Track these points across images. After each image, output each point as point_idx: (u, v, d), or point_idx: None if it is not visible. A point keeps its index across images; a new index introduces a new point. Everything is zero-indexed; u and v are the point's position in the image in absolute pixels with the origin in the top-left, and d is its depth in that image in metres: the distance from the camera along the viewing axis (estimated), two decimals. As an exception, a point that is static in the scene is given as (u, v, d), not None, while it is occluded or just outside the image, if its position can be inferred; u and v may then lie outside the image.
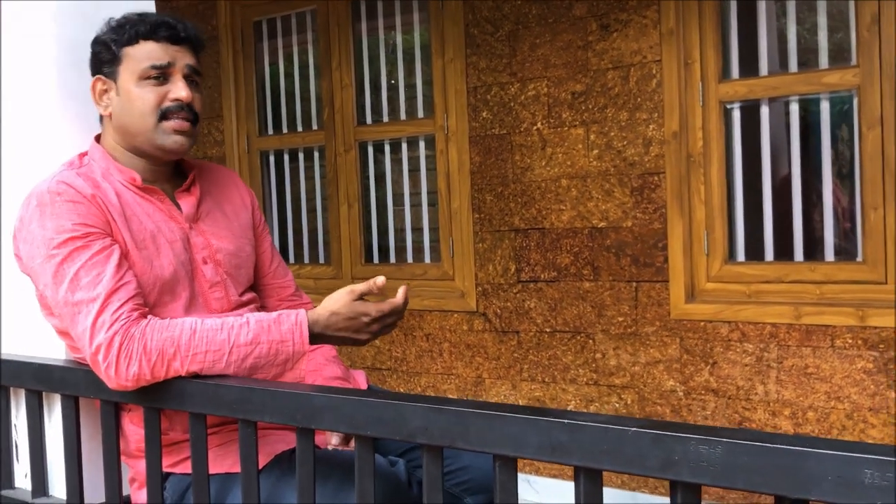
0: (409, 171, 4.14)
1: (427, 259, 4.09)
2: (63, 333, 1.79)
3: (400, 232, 4.22)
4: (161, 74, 1.76)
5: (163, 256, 1.75)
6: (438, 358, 3.94)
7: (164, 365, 1.56)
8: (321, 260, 4.43)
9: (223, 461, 1.69)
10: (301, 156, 4.48)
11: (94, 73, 1.84)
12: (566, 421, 1.16)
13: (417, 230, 4.16)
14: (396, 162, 4.19)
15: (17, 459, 2.00)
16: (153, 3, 2.19)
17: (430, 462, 1.31)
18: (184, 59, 1.78)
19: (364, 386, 1.98)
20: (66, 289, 1.61)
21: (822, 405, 3.04)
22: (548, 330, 3.62)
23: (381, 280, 1.64)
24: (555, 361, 3.61)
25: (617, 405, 3.45)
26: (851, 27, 2.99)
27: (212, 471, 1.65)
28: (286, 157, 4.54)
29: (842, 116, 3.11)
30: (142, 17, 1.80)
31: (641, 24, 3.33)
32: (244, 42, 4.52)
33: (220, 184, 1.98)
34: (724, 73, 3.23)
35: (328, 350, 1.95)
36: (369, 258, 4.25)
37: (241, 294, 1.89)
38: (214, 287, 1.82)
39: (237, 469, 1.66)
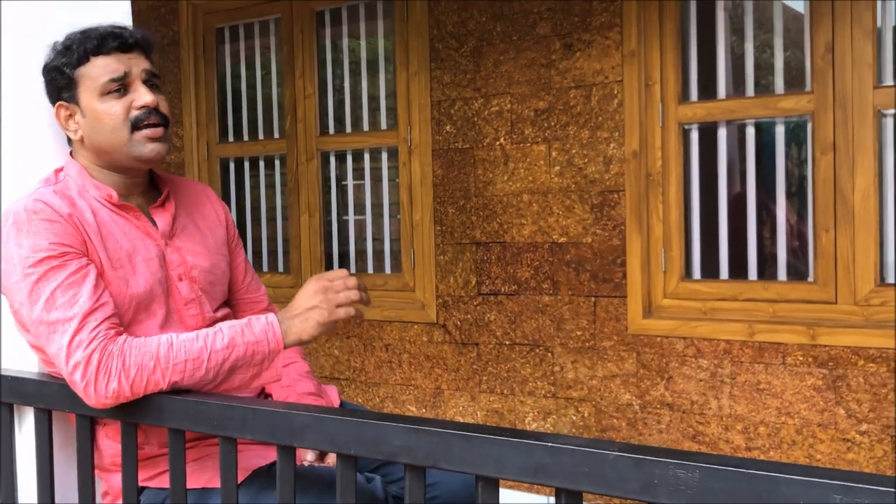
0: (371, 181, 4.17)
1: (388, 270, 4.13)
2: (37, 348, 1.79)
3: (361, 242, 4.24)
4: (121, 86, 1.76)
5: (139, 275, 1.75)
6: (398, 369, 3.97)
7: (143, 380, 1.58)
8: (280, 269, 4.43)
9: (200, 476, 1.70)
10: (262, 164, 4.48)
11: (53, 101, 1.83)
12: (548, 444, 1.20)
13: (378, 241, 4.19)
14: (358, 172, 4.22)
15: (-15, 472, 1.99)
16: (129, 4, 2.18)
17: (412, 482, 1.35)
18: (139, 64, 1.79)
19: (337, 401, 2.01)
20: (42, 308, 1.62)
21: (773, 420, 3.14)
22: (507, 342, 3.67)
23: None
24: (513, 374, 3.66)
25: (574, 418, 3.52)
26: (806, 54, 3.10)
27: (189, 485, 1.66)
28: (246, 165, 4.54)
29: (796, 140, 3.21)
30: (85, 33, 1.79)
31: (604, 44, 3.41)
32: (206, 47, 4.51)
33: (194, 199, 1.99)
34: (684, 95, 3.32)
35: (301, 366, 1.98)
36: (329, 267, 4.27)
37: (216, 310, 1.90)
38: (190, 304, 1.83)
39: (214, 484, 1.68)
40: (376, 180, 4.16)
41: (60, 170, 1.85)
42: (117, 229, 1.77)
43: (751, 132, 3.26)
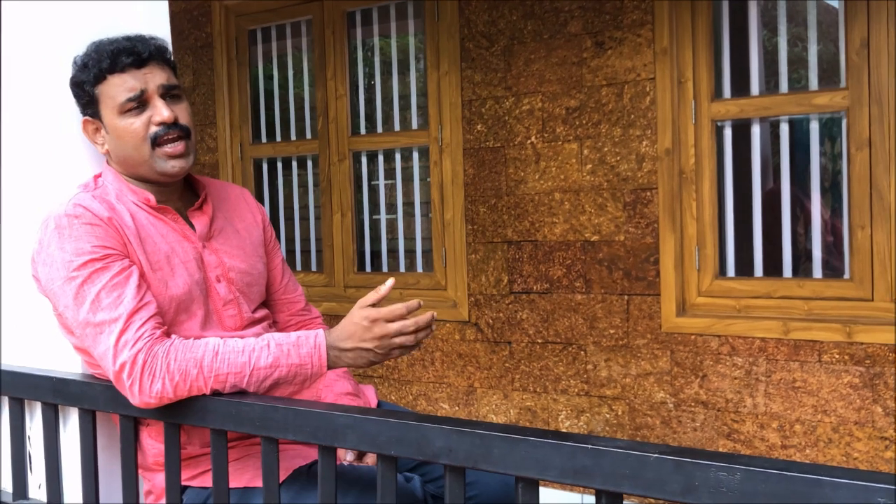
0: (403, 181, 4.19)
1: (419, 268, 4.15)
2: (81, 350, 1.82)
3: (392, 241, 4.26)
4: (139, 103, 1.78)
5: (177, 276, 1.78)
6: (430, 367, 3.99)
7: (186, 384, 1.60)
8: (314, 268, 4.47)
9: (241, 475, 1.73)
10: (294, 164, 4.52)
11: (82, 114, 1.87)
12: (589, 446, 1.21)
13: (410, 240, 4.21)
14: (390, 172, 4.24)
15: (31, 470, 2.03)
16: (166, 4, 2.21)
17: (452, 482, 1.36)
18: (154, 79, 1.79)
19: (374, 401, 2.03)
20: (88, 310, 1.65)
21: (808, 418, 3.12)
22: (539, 341, 3.68)
23: (389, 283, 1.66)
24: (546, 372, 3.67)
25: (607, 416, 3.52)
26: (841, 50, 3.08)
27: (230, 485, 1.69)
28: (279, 165, 4.57)
29: (830, 137, 3.19)
30: (99, 50, 1.80)
31: (636, 42, 3.40)
32: (238, 49, 4.55)
33: (231, 201, 2.01)
34: (717, 93, 3.31)
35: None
36: (361, 267, 4.30)
37: (254, 311, 1.93)
38: (228, 305, 1.86)
39: (255, 483, 1.71)
40: (407, 180, 4.18)
41: (99, 175, 1.89)
42: (155, 232, 1.80)
43: (784, 129, 3.24)
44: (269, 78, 4.59)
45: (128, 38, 1.80)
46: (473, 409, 3.87)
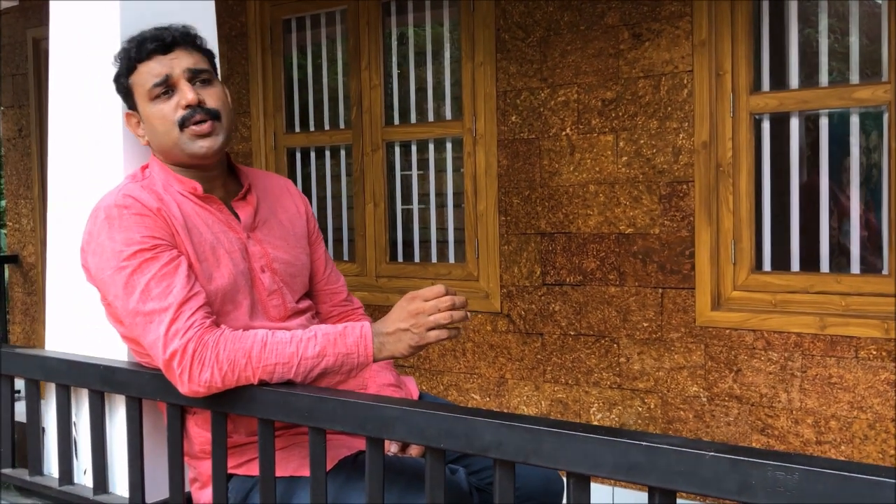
0: (436, 171, 4.19)
1: (451, 259, 4.15)
2: (129, 339, 1.84)
3: (424, 232, 4.27)
4: (167, 88, 1.80)
5: (222, 267, 1.80)
6: (461, 357, 4.00)
7: (234, 374, 1.62)
8: (346, 258, 4.48)
9: (287, 465, 1.74)
10: (327, 154, 4.53)
11: (126, 109, 1.91)
12: (643, 443, 1.21)
13: (442, 230, 4.22)
14: (423, 162, 4.24)
15: (77, 457, 2.06)
16: (213, 3, 2.22)
17: (502, 477, 1.37)
18: (181, 63, 1.81)
19: (416, 392, 2.04)
20: (138, 299, 1.67)
21: (844, 414, 3.10)
22: (572, 333, 3.68)
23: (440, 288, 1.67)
24: (578, 364, 3.67)
25: (640, 409, 3.51)
26: (884, 43, 3.04)
27: (276, 474, 1.71)
28: (312, 155, 4.59)
29: (871, 131, 3.16)
30: (130, 41, 1.85)
31: (674, 34, 3.38)
32: (273, 38, 4.57)
33: (276, 192, 2.03)
34: (755, 85, 3.28)
35: (381, 358, 2.00)
36: (394, 257, 4.31)
37: (298, 301, 1.94)
38: (272, 295, 1.87)
39: (301, 473, 1.72)
40: (440, 170, 4.18)
41: (146, 166, 1.90)
42: (201, 222, 1.82)
43: (824, 122, 3.21)
44: (302, 67, 4.60)
45: (156, 28, 1.83)
46: (504, 401, 3.87)
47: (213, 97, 1.83)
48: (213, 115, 1.81)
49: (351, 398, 1.54)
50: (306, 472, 1.70)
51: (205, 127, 1.80)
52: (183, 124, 1.79)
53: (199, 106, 1.79)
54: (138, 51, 1.81)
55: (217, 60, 1.98)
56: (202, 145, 1.81)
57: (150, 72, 1.81)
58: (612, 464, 1.24)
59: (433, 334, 1.65)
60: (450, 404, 1.82)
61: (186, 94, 1.79)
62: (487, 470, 1.85)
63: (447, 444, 1.41)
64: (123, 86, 1.86)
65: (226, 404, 1.68)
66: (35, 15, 5.54)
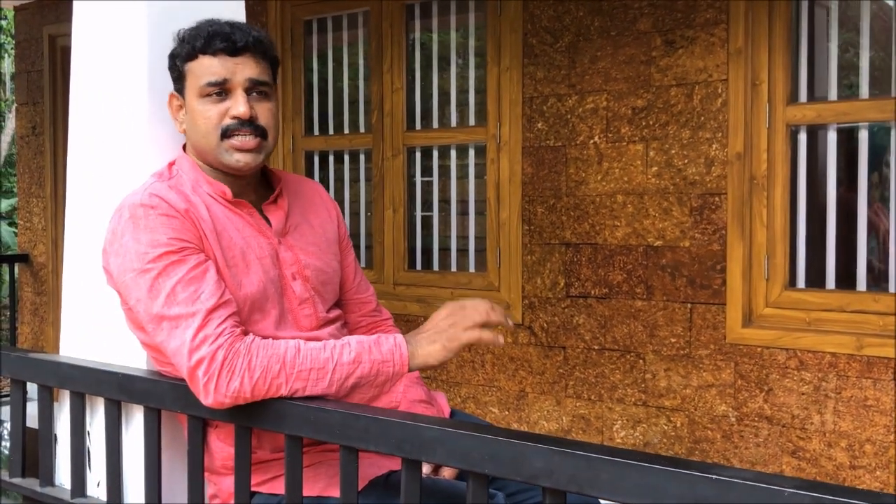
0: (458, 178, 4.10)
1: (472, 268, 4.06)
2: (150, 346, 1.75)
3: (444, 240, 4.17)
4: (221, 90, 1.71)
5: (252, 273, 1.71)
6: (480, 369, 3.90)
7: (266, 382, 1.52)
8: (363, 264, 4.39)
9: (314, 484, 1.65)
10: (346, 158, 4.44)
11: (174, 89, 1.82)
12: (713, 476, 1.12)
13: (462, 238, 4.12)
14: (444, 169, 4.15)
15: (90, 468, 1.96)
16: (243, 3, 2.14)
17: (552, 506, 1.27)
18: (244, 71, 1.71)
19: (447, 409, 1.94)
20: (163, 304, 1.57)
21: (881, 438, 2.99)
22: (596, 347, 3.58)
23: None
24: (602, 379, 3.56)
25: (665, 427, 3.41)
26: (928, 56, 2.95)
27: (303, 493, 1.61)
28: (331, 159, 4.50)
29: (913, 146, 3.06)
30: (199, 28, 1.75)
31: (708, 41, 3.28)
32: (293, 40, 4.49)
33: (307, 196, 1.94)
34: (793, 96, 3.18)
35: (412, 373, 1.91)
36: (412, 265, 4.22)
37: (328, 310, 1.85)
38: (304, 304, 1.78)
39: (328, 493, 1.63)
40: (462, 177, 4.09)
41: (173, 164, 1.82)
42: (231, 226, 1.73)
43: (863, 136, 3.11)
44: (323, 69, 4.52)
45: (230, 24, 1.74)
46: (524, 415, 3.77)
47: (265, 113, 1.73)
48: (261, 133, 1.72)
49: (387, 416, 1.45)
50: (335, 493, 1.60)
51: (249, 143, 1.71)
52: (225, 134, 1.70)
53: (249, 121, 1.70)
54: (206, 43, 1.70)
55: (279, 68, 1.89)
56: (240, 160, 1.72)
57: (210, 69, 1.71)
58: (676, 497, 1.15)
59: (466, 335, 1.60)
60: (489, 425, 1.73)
61: (239, 105, 1.70)
62: (523, 493, 1.75)
63: (492, 469, 1.32)
64: (178, 68, 1.76)
65: (252, 418, 1.58)
66: (51, 12, 5.48)
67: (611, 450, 1.24)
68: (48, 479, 2.04)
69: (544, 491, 1.28)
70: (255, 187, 1.84)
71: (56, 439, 2.08)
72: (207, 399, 1.54)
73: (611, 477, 1.20)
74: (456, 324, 1.59)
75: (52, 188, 5.49)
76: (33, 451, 2.05)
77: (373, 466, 1.67)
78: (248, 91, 1.72)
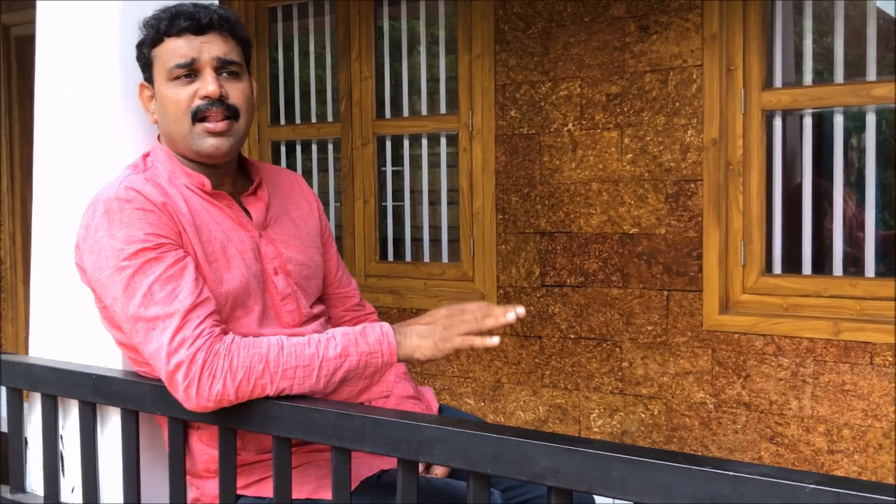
0: (429, 167, 4.04)
1: (445, 258, 4.00)
2: (126, 346, 1.67)
3: (416, 230, 4.12)
4: (190, 72, 1.64)
5: (233, 268, 1.64)
6: (455, 360, 3.85)
7: (250, 383, 1.46)
8: (333, 255, 4.32)
9: (302, 486, 1.59)
10: (314, 148, 4.36)
11: (143, 79, 1.74)
12: (729, 472, 1.08)
13: (435, 228, 4.07)
14: (415, 158, 4.09)
15: (63, 473, 1.88)
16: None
17: (559, 506, 1.23)
18: (210, 50, 1.64)
19: (434, 404, 1.89)
20: (139, 303, 1.50)
21: (858, 423, 3.00)
22: (572, 336, 3.55)
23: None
24: (578, 369, 3.54)
25: (643, 415, 3.39)
26: (902, 40, 2.94)
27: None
28: (298, 149, 4.42)
29: (888, 130, 3.06)
30: (164, 11, 1.67)
31: (683, 27, 3.26)
32: (258, 28, 4.39)
33: (286, 188, 1.87)
34: (768, 81, 3.17)
35: (399, 367, 1.86)
36: (384, 256, 4.15)
37: (312, 306, 1.79)
38: (286, 299, 1.72)
39: (319, 495, 1.57)
40: (434, 166, 4.03)
41: (147, 155, 1.74)
42: (210, 219, 1.66)
43: (839, 120, 3.11)
44: (288, 58, 4.43)
45: (194, 4, 1.66)
46: (500, 405, 3.74)
47: (237, 93, 1.66)
48: (233, 113, 1.65)
49: (382, 415, 1.39)
50: (325, 495, 1.55)
51: (220, 125, 1.64)
52: (196, 116, 1.63)
53: (219, 100, 1.63)
54: (169, 24, 1.63)
55: (251, 51, 1.81)
56: (212, 144, 1.64)
57: (177, 50, 1.63)
58: (690, 495, 1.11)
59: (459, 340, 1.55)
60: (476, 420, 1.68)
61: (208, 84, 1.62)
62: (518, 489, 1.71)
63: (495, 469, 1.27)
64: (145, 56, 1.69)
65: (237, 420, 1.52)
66: (3, 0, 5.31)
67: (620, 447, 1.20)
68: (19, 486, 1.95)
69: (549, 490, 1.23)
70: (233, 178, 1.77)
71: (26, 443, 1.99)
72: (189, 404, 1.48)
73: (622, 475, 1.16)
74: (454, 325, 1.54)
75: (9, 182, 5.33)
76: (2, 455, 1.97)
77: (363, 466, 1.61)
78: (217, 70, 1.65)
